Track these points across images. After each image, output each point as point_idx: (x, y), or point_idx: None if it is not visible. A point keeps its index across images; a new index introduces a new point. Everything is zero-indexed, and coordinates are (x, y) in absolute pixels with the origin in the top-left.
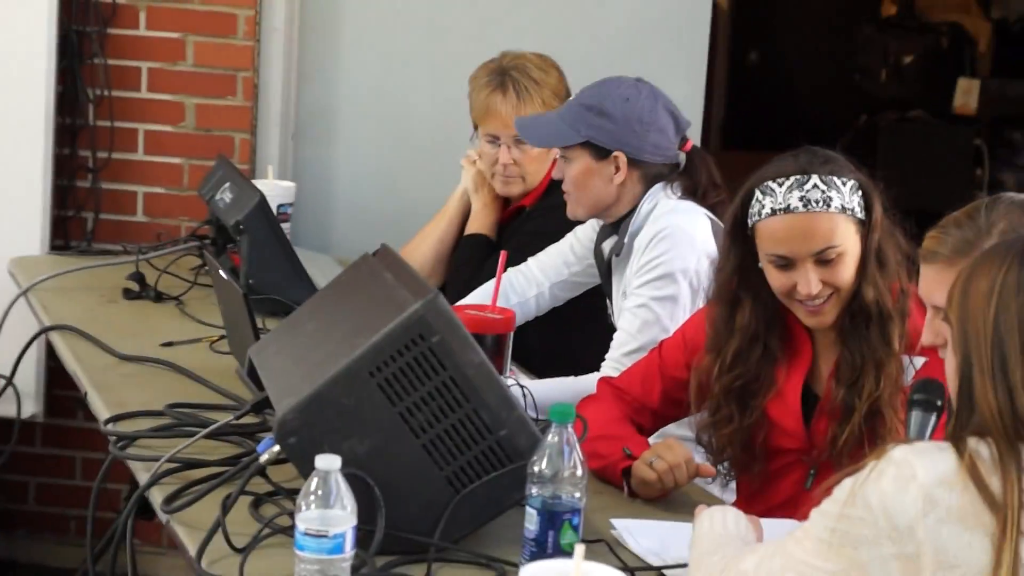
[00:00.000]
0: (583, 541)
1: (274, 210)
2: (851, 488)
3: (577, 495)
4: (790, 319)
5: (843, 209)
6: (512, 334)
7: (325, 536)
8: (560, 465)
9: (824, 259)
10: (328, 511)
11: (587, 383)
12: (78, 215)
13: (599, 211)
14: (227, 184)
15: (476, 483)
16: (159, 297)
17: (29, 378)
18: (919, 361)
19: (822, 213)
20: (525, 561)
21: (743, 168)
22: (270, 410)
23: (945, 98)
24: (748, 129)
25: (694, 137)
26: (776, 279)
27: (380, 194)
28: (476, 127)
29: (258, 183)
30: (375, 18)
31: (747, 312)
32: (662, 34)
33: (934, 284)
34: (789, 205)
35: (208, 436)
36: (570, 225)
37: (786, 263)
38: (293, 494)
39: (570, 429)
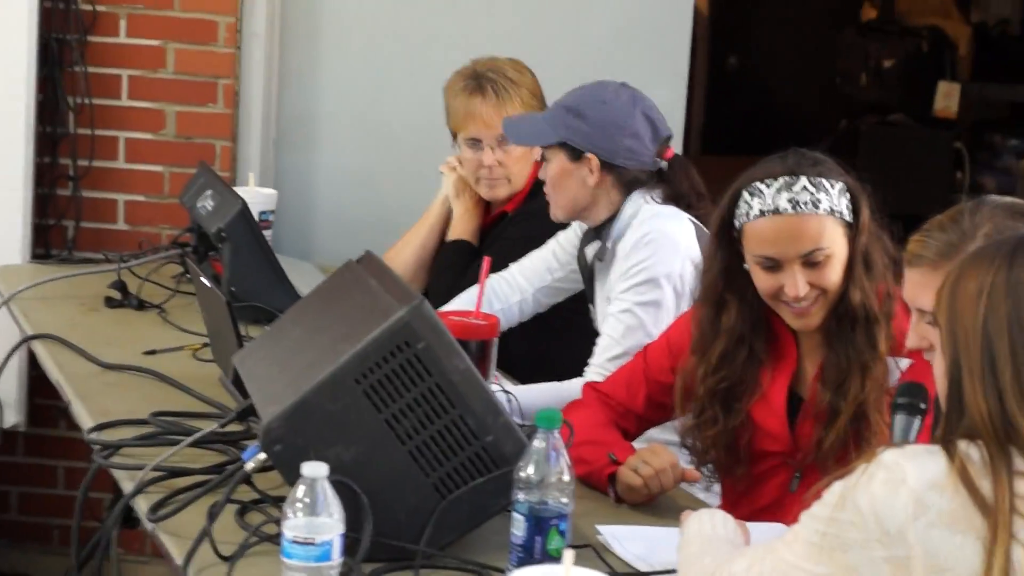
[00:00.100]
0: (570, 547)
1: (256, 217)
2: (841, 492)
3: (564, 500)
4: (775, 321)
5: (831, 211)
6: (497, 340)
7: (312, 544)
8: (547, 470)
9: (812, 261)
10: (315, 519)
11: (572, 388)
12: (59, 223)
13: (576, 213)
14: (209, 191)
15: (462, 489)
16: (141, 305)
17: (11, 388)
18: (904, 363)
19: (810, 215)
20: (512, 567)
21: (723, 173)
22: (255, 418)
23: (926, 102)
24: (728, 134)
25: (675, 142)
26: (763, 281)
27: (362, 201)
28: (455, 136)
29: (240, 190)
30: (356, 25)
31: (733, 314)
32: (643, 39)
33: (919, 288)
34: (778, 206)
35: (193, 444)
36: (552, 229)
37: (773, 265)
38: (279, 502)
39: (556, 434)
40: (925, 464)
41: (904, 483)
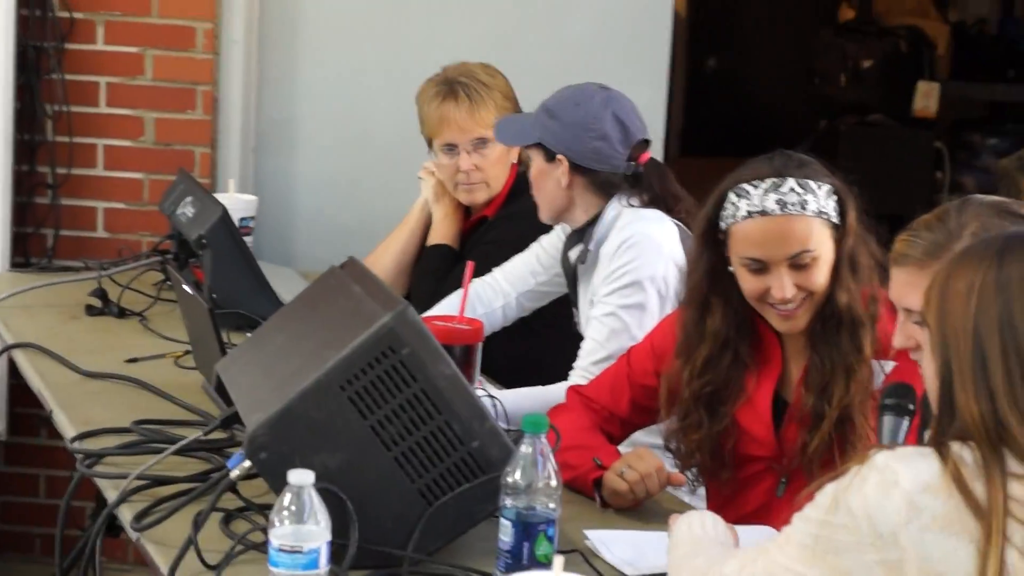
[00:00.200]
0: (558, 552)
1: (236, 224)
2: (833, 494)
3: (552, 506)
4: (760, 324)
5: (819, 213)
6: (481, 345)
7: (299, 552)
8: (534, 476)
9: (799, 263)
10: (302, 526)
11: (556, 392)
12: (38, 232)
13: (556, 214)
14: (188, 198)
15: (449, 495)
16: (122, 313)
17: None
18: (888, 365)
19: (798, 216)
20: (500, 573)
21: (702, 174)
22: (239, 425)
23: (905, 102)
24: (707, 135)
25: (655, 144)
26: (749, 283)
27: (342, 206)
28: (430, 144)
29: (219, 197)
30: (335, 30)
31: (718, 317)
32: (623, 42)
33: (905, 287)
34: (765, 208)
35: (176, 452)
36: (533, 233)
37: (760, 266)
38: (264, 509)
39: (543, 439)
40: (918, 466)
41: (897, 485)
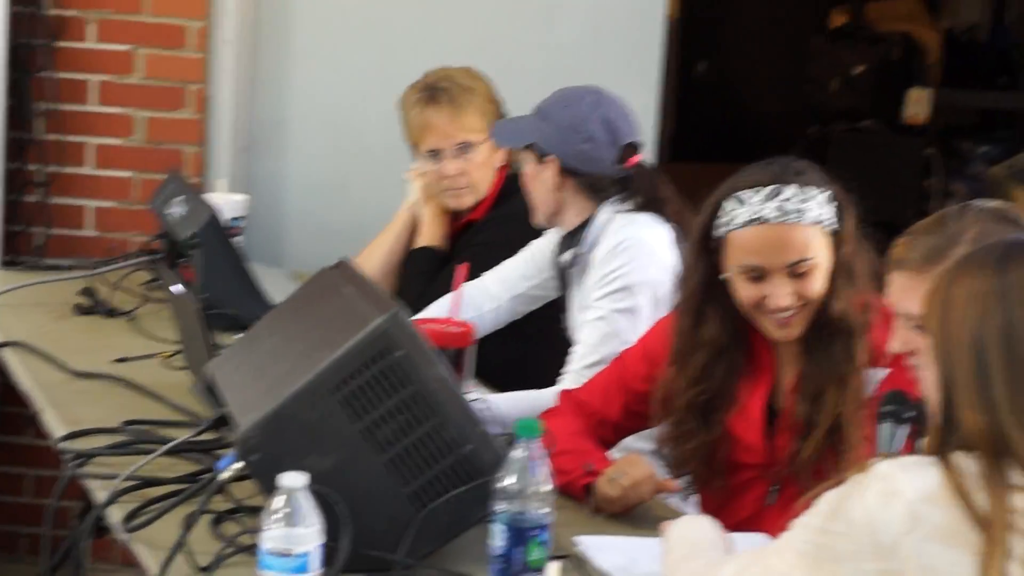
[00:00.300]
0: (550, 557)
1: (226, 224)
2: (834, 502)
3: (545, 511)
4: (752, 332)
5: (817, 221)
6: (472, 348)
7: (290, 555)
8: (527, 480)
9: (797, 271)
10: (293, 529)
11: (547, 396)
12: (27, 230)
13: (548, 217)
14: (179, 198)
15: (441, 499)
16: (111, 312)
17: None
18: (880, 373)
19: (797, 224)
20: None
21: (692, 180)
22: (229, 426)
23: (896, 108)
24: (697, 141)
25: (647, 149)
26: (745, 290)
27: (332, 207)
28: (415, 150)
29: (210, 196)
30: (327, 30)
31: (713, 325)
32: (615, 46)
33: (903, 292)
34: (764, 215)
35: (166, 453)
36: (523, 234)
37: (758, 274)
38: (254, 511)
39: (537, 444)
40: (920, 476)
41: (898, 495)
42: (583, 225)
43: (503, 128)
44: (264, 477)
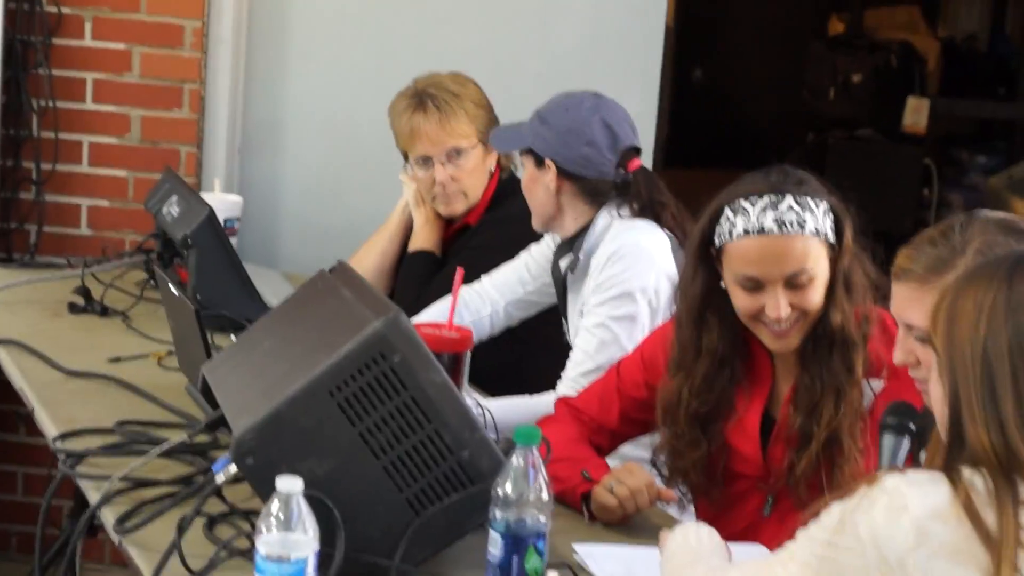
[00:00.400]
0: (549, 566)
1: (221, 224)
2: (840, 515)
3: (542, 519)
4: (752, 342)
5: (816, 232)
6: (469, 353)
7: (286, 560)
8: (525, 488)
9: (795, 282)
10: (289, 534)
11: (544, 402)
12: (21, 227)
13: (546, 221)
14: (174, 197)
15: (438, 505)
16: (105, 311)
17: None
18: (877, 385)
19: (796, 236)
20: None
21: (687, 186)
22: (224, 428)
23: (895, 117)
24: (693, 147)
25: (645, 154)
26: (743, 301)
27: (328, 208)
28: (406, 157)
29: (205, 196)
30: (323, 31)
31: (714, 334)
32: (615, 52)
33: (906, 302)
34: (763, 226)
35: (160, 454)
36: (519, 237)
37: (756, 285)
38: (248, 514)
39: (535, 451)
40: (928, 492)
41: (906, 511)
42: (581, 231)
43: (501, 133)
44: (259, 481)
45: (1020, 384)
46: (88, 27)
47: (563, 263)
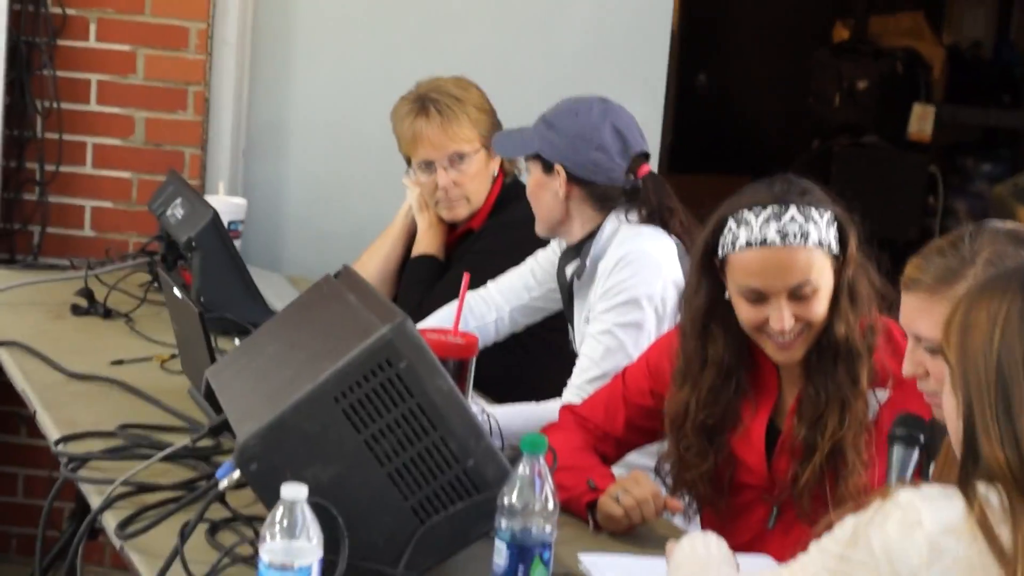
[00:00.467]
0: None
1: (225, 227)
2: (854, 528)
3: (548, 529)
4: (757, 352)
5: (820, 243)
6: (474, 359)
7: (290, 568)
8: (531, 497)
9: (799, 294)
10: (294, 542)
11: (549, 409)
12: (25, 228)
13: (552, 227)
14: (178, 200)
15: (442, 514)
16: (108, 314)
17: None
18: (882, 395)
19: (799, 247)
20: None
21: (691, 191)
22: (227, 433)
23: (900, 124)
24: (696, 152)
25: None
26: (747, 312)
27: (332, 211)
28: (409, 162)
29: (209, 199)
30: (328, 34)
31: (719, 344)
32: (620, 57)
33: (916, 312)
34: (766, 238)
35: (163, 459)
36: (523, 242)
37: (759, 297)
38: (251, 521)
39: (541, 460)
40: (942, 507)
41: (920, 526)
42: (588, 236)
43: (505, 138)
44: (263, 487)
45: None
46: (92, 28)
47: (569, 269)
